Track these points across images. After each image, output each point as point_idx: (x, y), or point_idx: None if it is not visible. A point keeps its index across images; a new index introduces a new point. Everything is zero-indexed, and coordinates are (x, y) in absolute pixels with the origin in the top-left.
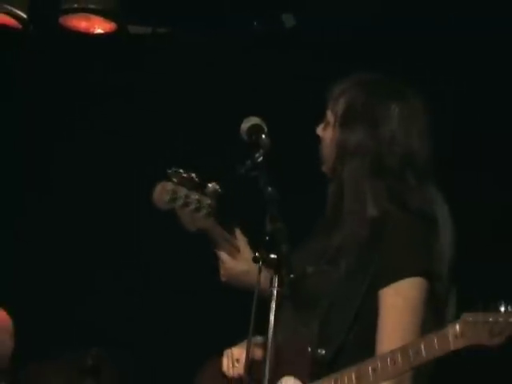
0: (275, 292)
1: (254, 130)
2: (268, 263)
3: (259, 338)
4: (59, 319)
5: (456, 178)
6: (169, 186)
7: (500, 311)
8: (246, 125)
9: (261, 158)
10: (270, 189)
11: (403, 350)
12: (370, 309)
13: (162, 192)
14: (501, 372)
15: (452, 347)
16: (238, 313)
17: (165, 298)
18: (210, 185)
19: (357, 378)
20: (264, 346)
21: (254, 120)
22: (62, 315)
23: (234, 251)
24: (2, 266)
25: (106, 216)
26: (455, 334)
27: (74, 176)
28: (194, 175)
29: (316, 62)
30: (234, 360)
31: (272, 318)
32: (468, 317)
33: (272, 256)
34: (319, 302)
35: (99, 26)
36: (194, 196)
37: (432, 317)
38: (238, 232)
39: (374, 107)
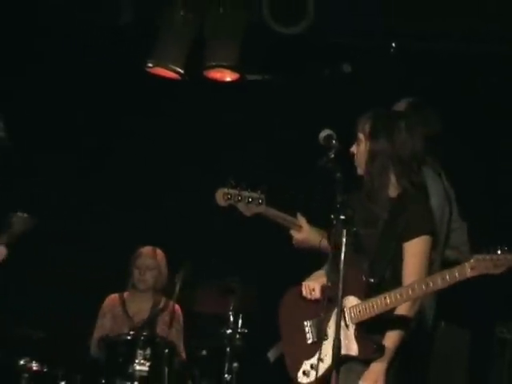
0: (344, 240)
1: (328, 137)
2: (339, 221)
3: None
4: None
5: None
6: (224, 190)
7: (499, 252)
8: (322, 134)
9: (332, 155)
10: (339, 174)
11: (431, 278)
12: (398, 255)
13: (220, 195)
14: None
15: (468, 275)
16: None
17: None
18: (261, 187)
19: (400, 294)
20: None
21: (327, 131)
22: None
23: (298, 227)
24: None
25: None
26: (470, 266)
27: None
28: (242, 183)
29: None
30: (310, 289)
31: (343, 257)
32: (478, 256)
33: (342, 217)
34: (367, 251)
35: (228, 76)
36: (245, 193)
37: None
38: (299, 215)
39: (389, 125)
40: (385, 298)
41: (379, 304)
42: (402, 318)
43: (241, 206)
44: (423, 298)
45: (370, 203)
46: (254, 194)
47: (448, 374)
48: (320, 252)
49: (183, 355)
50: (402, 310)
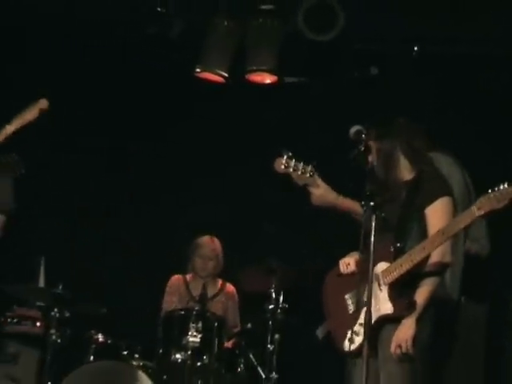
0: (374, 224)
1: (358, 132)
2: (368, 208)
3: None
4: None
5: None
6: (283, 159)
7: (500, 188)
8: (352, 129)
9: (362, 149)
10: (368, 165)
11: (445, 227)
12: (422, 223)
13: (279, 162)
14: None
15: (477, 215)
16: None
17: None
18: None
19: (423, 247)
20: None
21: (357, 126)
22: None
23: (316, 186)
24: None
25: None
26: (477, 207)
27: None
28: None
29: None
30: (346, 264)
31: (373, 239)
32: (483, 197)
33: (371, 203)
34: (390, 225)
35: (268, 79)
36: (300, 165)
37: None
38: (316, 176)
39: (390, 127)
40: (410, 254)
41: (405, 261)
42: (433, 270)
43: (295, 176)
44: (450, 277)
45: (385, 188)
46: (307, 167)
47: (468, 342)
48: (336, 209)
49: (238, 329)
50: (435, 256)
